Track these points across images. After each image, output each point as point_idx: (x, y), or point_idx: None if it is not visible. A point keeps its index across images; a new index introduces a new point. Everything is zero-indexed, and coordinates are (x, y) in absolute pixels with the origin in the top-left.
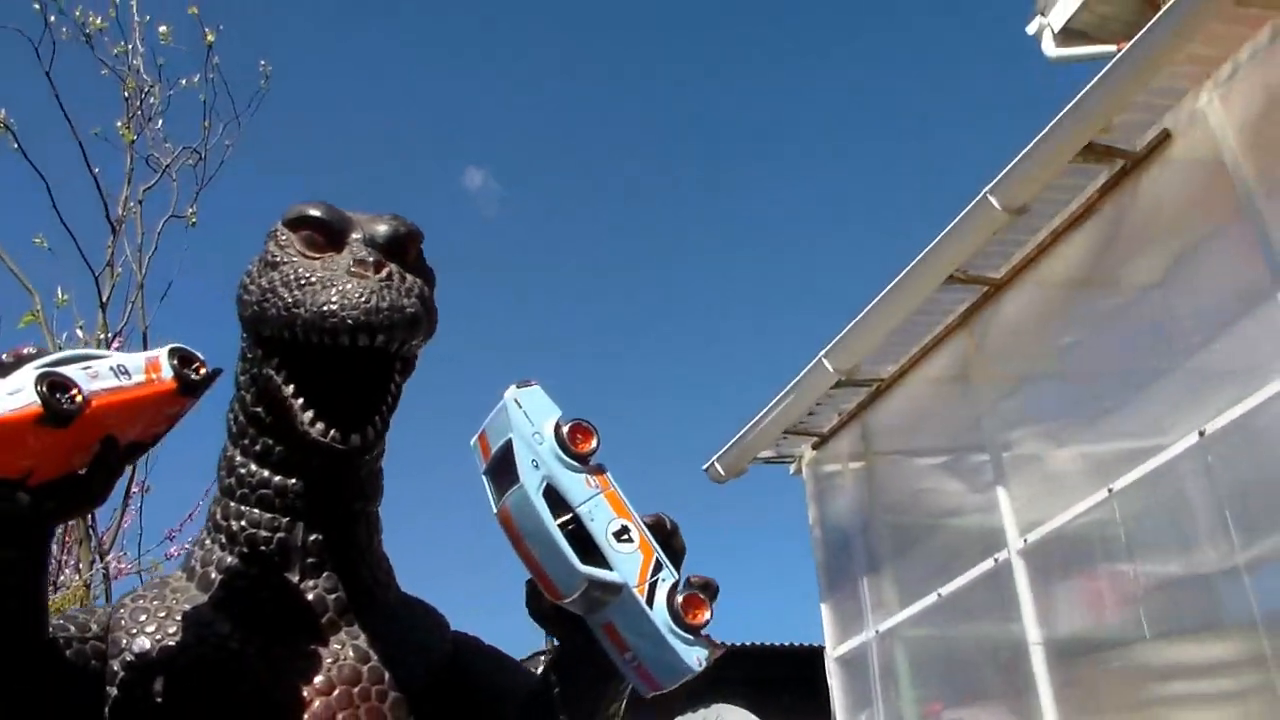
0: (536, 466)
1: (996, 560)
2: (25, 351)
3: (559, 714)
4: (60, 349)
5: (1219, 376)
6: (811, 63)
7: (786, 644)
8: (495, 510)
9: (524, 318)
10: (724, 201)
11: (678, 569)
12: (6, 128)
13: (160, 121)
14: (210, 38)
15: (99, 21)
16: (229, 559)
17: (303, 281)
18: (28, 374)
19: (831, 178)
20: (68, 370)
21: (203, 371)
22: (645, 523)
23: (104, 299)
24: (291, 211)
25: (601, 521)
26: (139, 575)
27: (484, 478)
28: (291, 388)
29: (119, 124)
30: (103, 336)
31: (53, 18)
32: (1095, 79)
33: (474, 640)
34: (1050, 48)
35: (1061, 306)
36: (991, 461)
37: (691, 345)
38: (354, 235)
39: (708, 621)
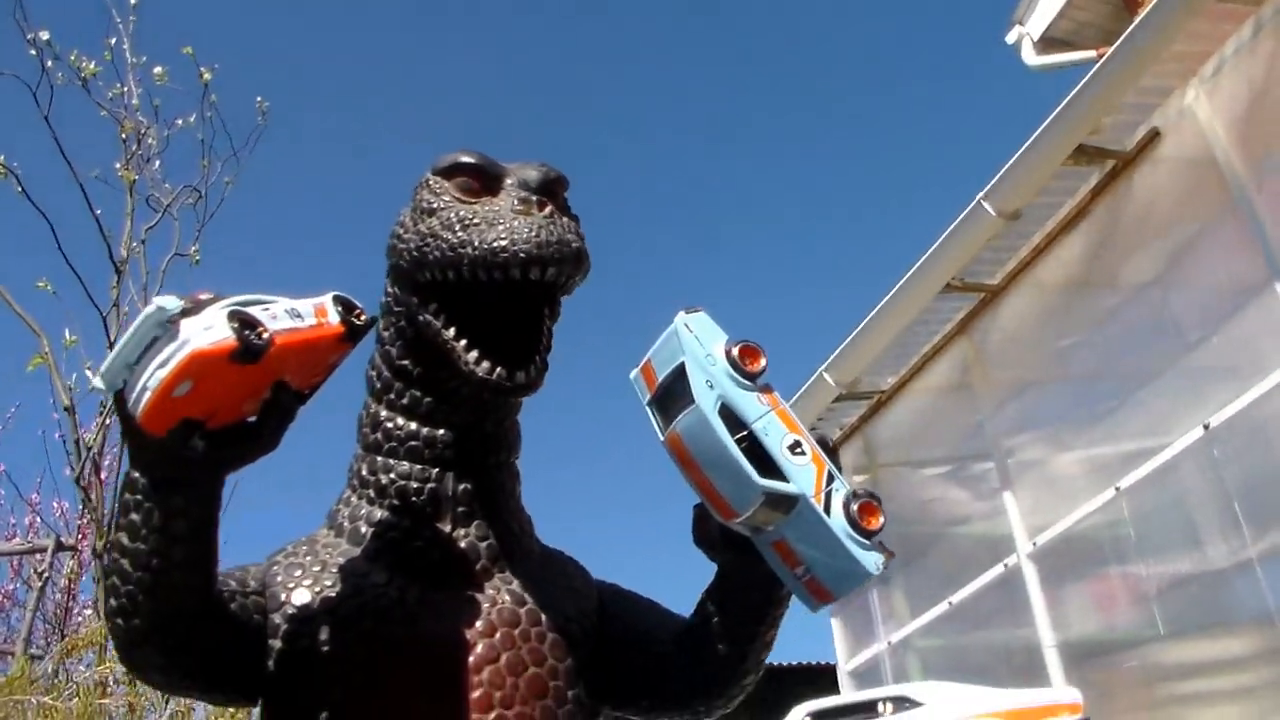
0: (711, 387)
1: (1006, 565)
2: (203, 296)
3: (718, 643)
4: (71, 390)
5: (1220, 370)
6: (793, 79)
7: (797, 663)
8: (663, 437)
9: None
10: (712, 214)
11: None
12: (10, 172)
13: (158, 162)
14: (206, 76)
15: (93, 66)
16: (379, 512)
17: (466, 223)
18: (217, 312)
19: (821, 190)
20: (254, 310)
21: (363, 318)
22: (818, 439)
23: (111, 339)
24: (444, 160)
25: (776, 436)
26: None
27: (648, 408)
28: (453, 330)
29: (117, 165)
30: None
31: (50, 63)
32: (1082, 81)
33: (616, 586)
34: (1030, 56)
35: (1060, 309)
36: (996, 467)
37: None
38: (508, 180)
39: (883, 526)
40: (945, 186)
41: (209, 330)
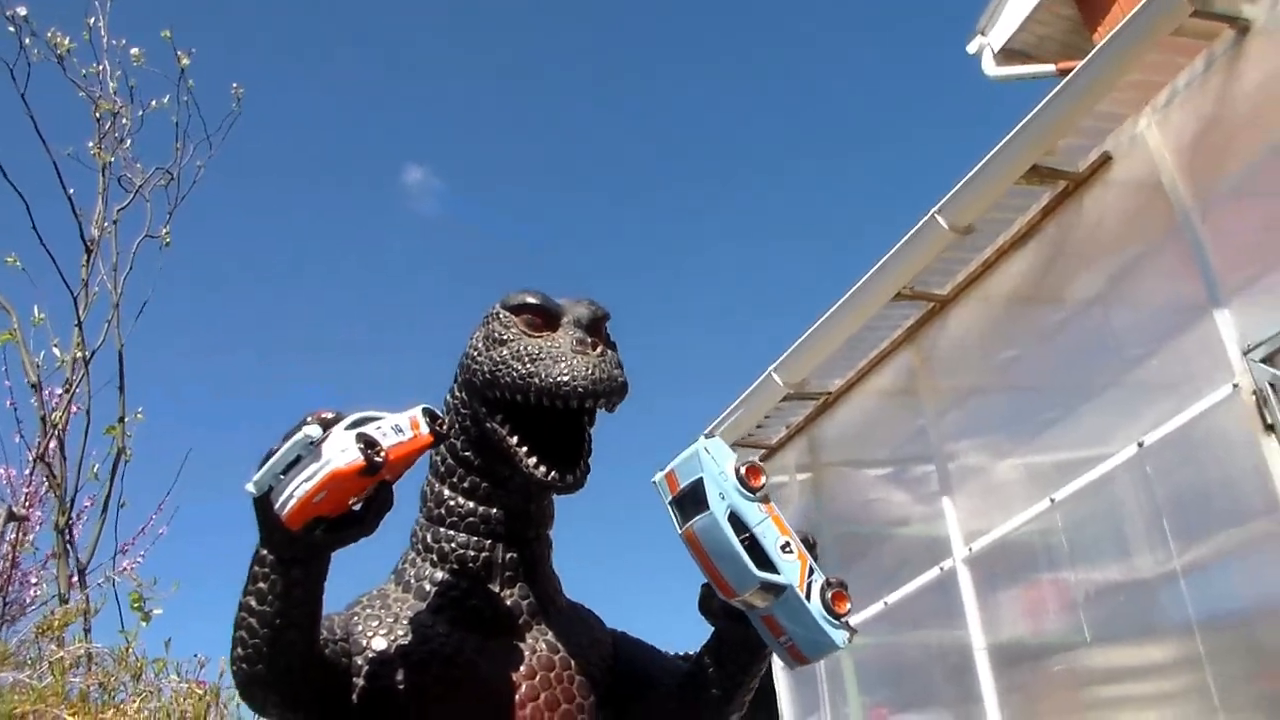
0: (723, 498)
1: (942, 569)
2: (327, 415)
3: (712, 688)
4: (38, 367)
5: (1157, 389)
6: (759, 80)
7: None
8: (680, 531)
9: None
10: (670, 215)
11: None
12: None
13: (129, 141)
14: (184, 61)
15: (68, 43)
16: (439, 574)
17: (534, 357)
18: (348, 436)
19: (778, 194)
20: (370, 430)
21: (444, 426)
22: (803, 537)
23: (80, 318)
24: (513, 299)
25: (771, 538)
26: (112, 584)
27: (670, 507)
28: (515, 438)
29: (90, 145)
30: (79, 355)
31: (27, 39)
32: (1040, 104)
33: (626, 634)
34: (990, 67)
35: (1005, 322)
36: (937, 472)
37: (638, 357)
38: (566, 318)
39: (850, 611)
40: (900, 193)
41: (344, 453)
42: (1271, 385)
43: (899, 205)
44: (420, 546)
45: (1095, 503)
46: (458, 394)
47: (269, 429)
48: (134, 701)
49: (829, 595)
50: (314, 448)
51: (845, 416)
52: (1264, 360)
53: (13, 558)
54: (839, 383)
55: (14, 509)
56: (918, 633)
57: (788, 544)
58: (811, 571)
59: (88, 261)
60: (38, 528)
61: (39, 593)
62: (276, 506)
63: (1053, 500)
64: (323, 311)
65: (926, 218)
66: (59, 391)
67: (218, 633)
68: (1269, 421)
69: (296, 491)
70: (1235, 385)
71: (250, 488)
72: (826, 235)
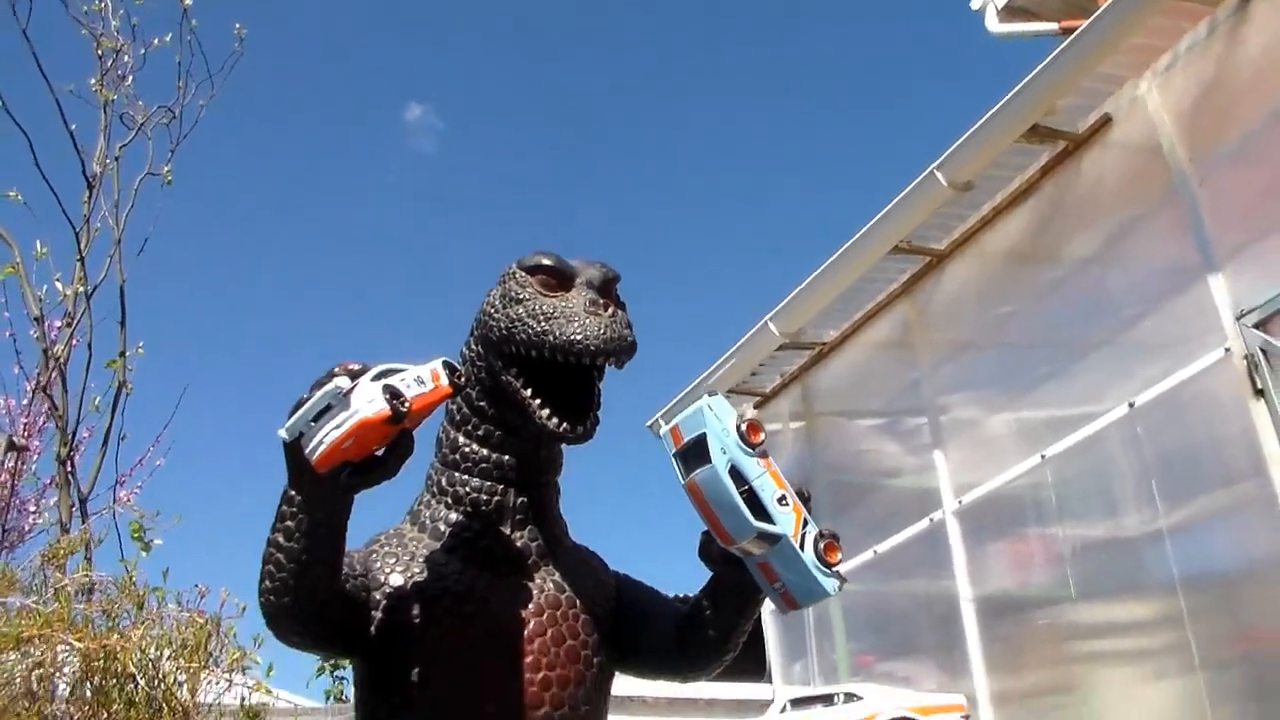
0: (724, 452)
1: (932, 520)
2: (354, 366)
3: (709, 629)
4: (40, 300)
5: (1149, 351)
6: (765, 30)
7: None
8: (684, 482)
9: (465, 254)
10: (670, 162)
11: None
12: None
13: (131, 79)
14: (187, 2)
15: None
16: (454, 515)
17: (548, 315)
18: (375, 387)
19: (780, 146)
20: (395, 382)
21: (462, 379)
22: (798, 491)
23: (82, 253)
24: (529, 260)
25: (768, 491)
26: (113, 515)
27: (674, 459)
28: (529, 391)
29: (92, 82)
30: (81, 289)
31: None
32: (1041, 64)
33: (628, 576)
34: (993, 23)
35: (1001, 278)
36: (929, 425)
37: (635, 300)
38: (579, 280)
39: (840, 561)
40: (901, 152)
41: (371, 403)
42: (1263, 350)
43: (899, 160)
44: (435, 489)
45: (1085, 460)
46: (474, 347)
47: (266, 364)
48: (138, 629)
49: (821, 546)
50: (343, 398)
51: (839, 367)
52: (1256, 325)
53: (12, 485)
54: (834, 334)
55: (14, 439)
56: (905, 582)
57: (784, 497)
58: (805, 523)
59: (89, 198)
60: (36, 457)
61: (39, 520)
62: (307, 451)
63: (1043, 456)
64: (321, 246)
65: (926, 173)
66: (58, 325)
67: (213, 564)
68: (1259, 386)
69: (326, 438)
70: (1227, 349)
71: (282, 433)
72: (827, 189)
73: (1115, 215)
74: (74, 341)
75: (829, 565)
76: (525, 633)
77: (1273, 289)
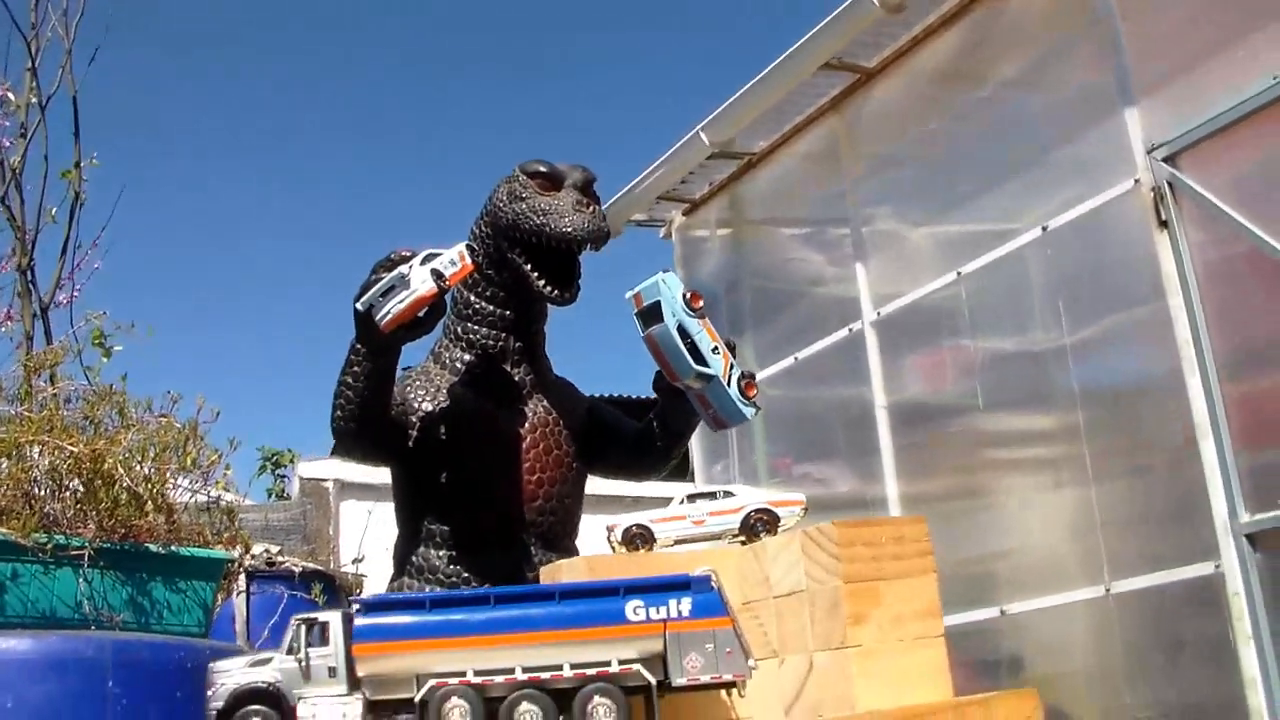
0: (674, 315)
1: (851, 330)
2: (405, 253)
3: (657, 441)
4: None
5: (1064, 177)
6: None
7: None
8: (643, 335)
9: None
10: None
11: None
12: None
13: None
14: None
15: None
16: (467, 356)
17: (546, 211)
18: (425, 270)
19: None
20: (438, 265)
21: (480, 256)
22: (726, 342)
23: (34, 62)
24: (529, 166)
25: (705, 344)
26: (71, 325)
27: (636, 318)
28: (529, 265)
29: None
30: (33, 100)
31: None
32: None
33: (597, 400)
34: None
35: (928, 98)
36: (852, 237)
37: (569, 110)
38: (567, 181)
39: (757, 394)
40: None
41: (425, 283)
42: (1169, 184)
43: None
44: (452, 336)
45: (998, 278)
46: (484, 229)
47: (209, 171)
48: (124, 433)
49: (743, 383)
50: (404, 279)
51: (767, 177)
52: (1165, 160)
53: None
54: (763, 144)
55: None
56: (823, 389)
57: (716, 347)
58: (732, 366)
59: (36, 4)
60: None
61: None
62: (378, 318)
63: (959, 273)
64: (267, 66)
65: None
66: (8, 143)
67: (172, 371)
68: (1163, 218)
69: (393, 309)
70: (1136, 180)
71: (359, 306)
72: (765, 2)
73: (1041, 40)
74: (27, 154)
75: (748, 397)
76: (523, 445)
77: (1183, 125)
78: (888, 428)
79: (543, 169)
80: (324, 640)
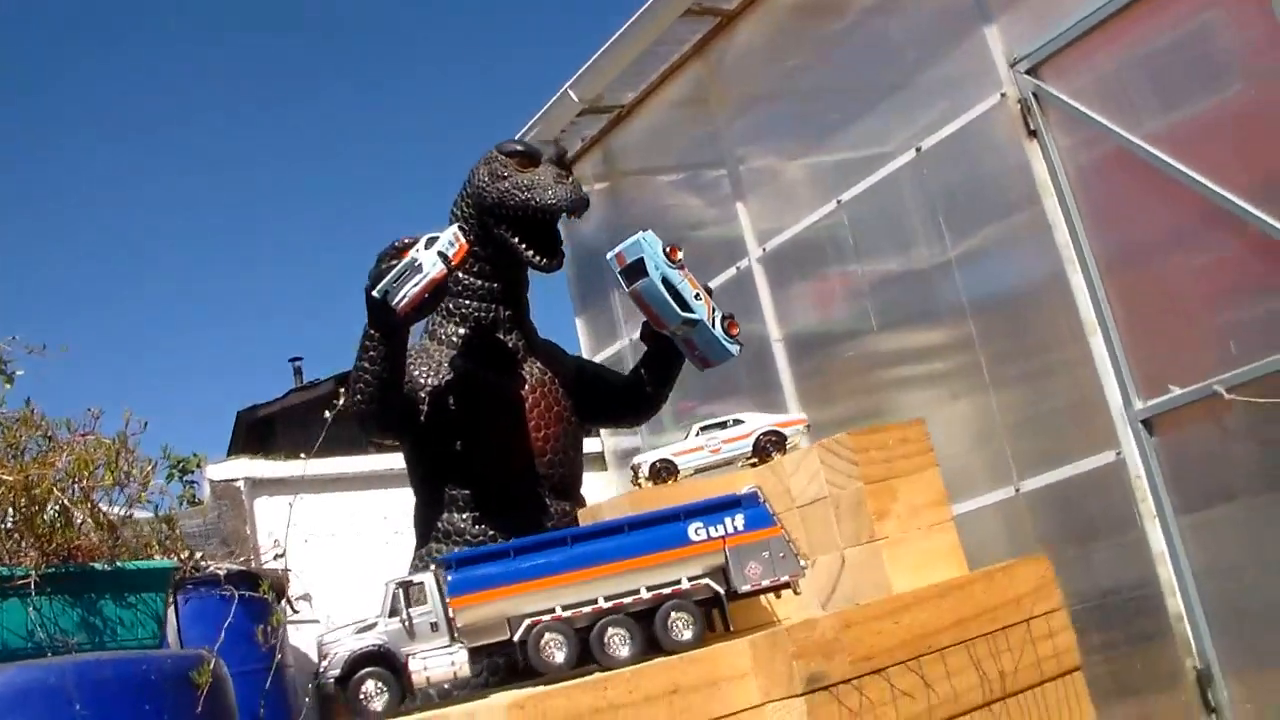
0: (656, 268)
1: (738, 268)
2: (408, 240)
3: (646, 387)
4: None
5: (932, 97)
6: None
7: None
8: (628, 290)
9: None
10: None
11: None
12: None
13: None
14: None
15: None
16: (461, 329)
17: (528, 186)
18: (432, 254)
19: None
20: (442, 249)
21: (471, 236)
22: (705, 287)
23: None
24: (507, 146)
25: (687, 291)
26: None
27: (620, 275)
28: (517, 238)
29: None
30: None
31: None
32: None
33: (583, 358)
34: None
35: (789, 33)
36: (729, 178)
37: (434, 79)
38: (543, 157)
39: (739, 332)
40: None
41: (435, 265)
42: (1034, 95)
43: None
44: (444, 313)
45: (877, 202)
46: (467, 209)
47: None
48: (55, 455)
49: (726, 324)
50: (417, 263)
51: (639, 127)
52: (1028, 72)
53: None
54: (632, 96)
55: None
56: None
57: (698, 294)
58: (714, 310)
59: None
60: None
61: None
62: (393, 303)
63: (839, 201)
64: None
65: None
66: None
67: (75, 387)
68: (1031, 127)
69: (408, 294)
70: (1002, 94)
71: (375, 294)
72: None
73: None
74: None
75: (731, 336)
76: (526, 405)
77: (1042, 37)
78: (786, 360)
79: (520, 148)
80: (422, 599)
